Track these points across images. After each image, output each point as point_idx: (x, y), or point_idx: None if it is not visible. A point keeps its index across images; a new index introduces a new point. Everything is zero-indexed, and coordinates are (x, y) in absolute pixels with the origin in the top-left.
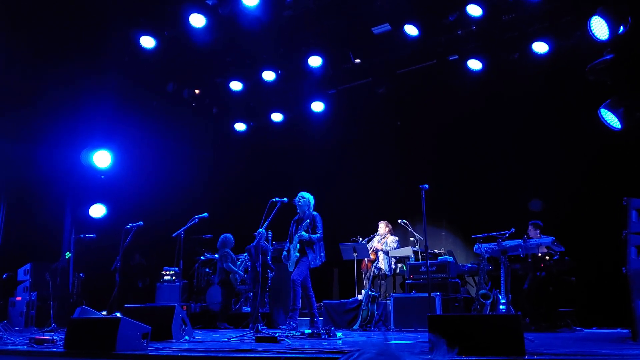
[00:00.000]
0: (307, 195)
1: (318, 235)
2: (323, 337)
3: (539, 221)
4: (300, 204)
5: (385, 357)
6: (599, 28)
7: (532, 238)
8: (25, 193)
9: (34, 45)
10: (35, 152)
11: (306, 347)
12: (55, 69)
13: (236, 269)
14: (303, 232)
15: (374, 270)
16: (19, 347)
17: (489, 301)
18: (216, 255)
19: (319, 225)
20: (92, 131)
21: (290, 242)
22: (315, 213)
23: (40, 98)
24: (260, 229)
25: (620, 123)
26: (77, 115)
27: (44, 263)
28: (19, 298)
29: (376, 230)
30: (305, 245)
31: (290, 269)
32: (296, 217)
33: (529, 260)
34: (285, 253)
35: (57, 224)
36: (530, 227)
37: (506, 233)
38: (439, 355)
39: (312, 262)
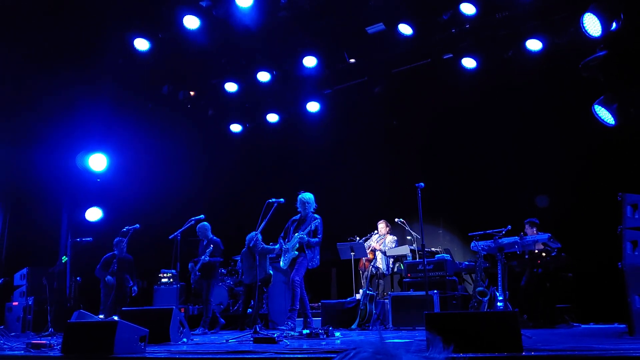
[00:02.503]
0: (309, 195)
1: (317, 239)
2: (321, 337)
3: (535, 219)
4: (305, 205)
5: (382, 356)
6: (592, 25)
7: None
8: (21, 197)
9: (29, 49)
10: (31, 156)
11: (304, 347)
12: (50, 73)
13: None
14: (304, 235)
15: (371, 270)
16: (16, 352)
17: (486, 298)
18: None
19: (320, 229)
20: (88, 134)
21: (284, 238)
22: (318, 217)
23: (36, 102)
24: (254, 233)
25: (614, 119)
26: (73, 118)
27: (40, 267)
28: (15, 303)
29: (374, 229)
30: (305, 246)
31: (284, 267)
32: (297, 217)
33: (526, 257)
34: (284, 247)
35: (54, 227)
36: (526, 226)
37: (503, 230)
38: (435, 352)
39: (310, 263)
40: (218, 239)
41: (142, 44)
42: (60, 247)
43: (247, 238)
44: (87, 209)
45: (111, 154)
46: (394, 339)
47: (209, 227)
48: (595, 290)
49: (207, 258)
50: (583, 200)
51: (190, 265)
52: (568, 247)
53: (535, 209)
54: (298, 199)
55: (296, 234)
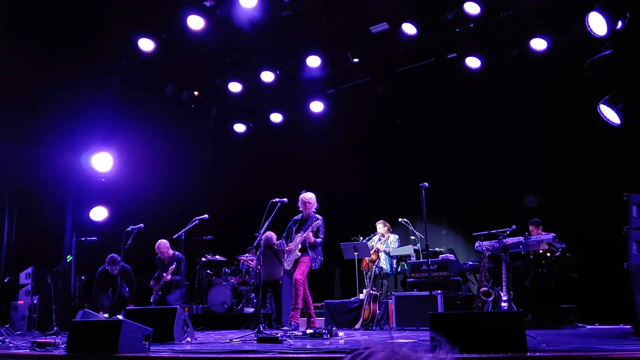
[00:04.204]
0: (311, 195)
1: (321, 239)
2: (325, 336)
3: (536, 219)
4: (307, 205)
5: (400, 357)
6: (597, 24)
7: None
8: (27, 196)
9: (34, 49)
10: (36, 155)
11: (308, 347)
12: (55, 73)
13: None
14: (311, 235)
15: (375, 270)
16: (22, 350)
17: (490, 299)
18: (217, 257)
19: (322, 230)
20: (92, 134)
21: (287, 239)
22: (320, 217)
23: (41, 102)
24: (270, 232)
25: (620, 119)
26: (77, 118)
27: (45, 266)
28: (21, 302)
29: (376, 230)
30: (309, 246)
31: (287, 267)
32: (298, 217)
33: (531, 257)
34: (287, 247)
35: (59, 227)
36: (531, 227)
37: (507, 230)
38: (442, 353)
39: (313, 264)
40: (181, 255)
41: (146, 44)
42: (65, 247)
43: (264, 238)
44: (91, 208)
45: (116, 153)
46: (399, 339)
47: (168, 243)
48: (600, 290)
49: (169, 277)
50: (588, 200)
51: (152, 282)
52: (573, 247)
53: (533, 208)
54: (300, 198)
55: (297, 235)
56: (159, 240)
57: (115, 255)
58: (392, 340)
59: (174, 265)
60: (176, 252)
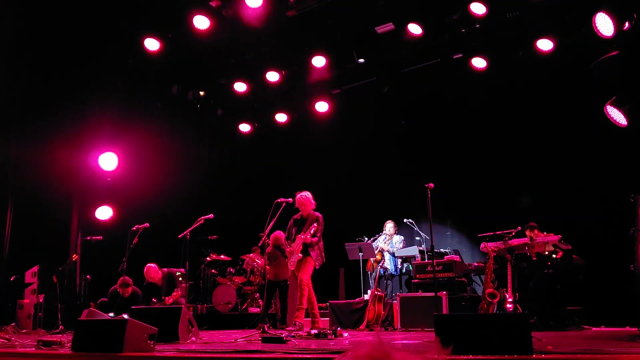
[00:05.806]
0: (307, 194)
1: (317, 238)
2: (329, 337)
3: (532, 223)
4: (304, 205)
5: (380, 352)
6: (604, 24)
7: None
8: (32, 195)
9: (41, 48)
10: (42, 154)
11: (313, 347)
12: (61, 73)
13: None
14: (309, 237)
15: (380, 270)
16: (27, 349)
17: (496, 300)
18: (222, 256)
19: (320, 228)
20: (98, 133)
21: (288, 239)
22: (319, 215)
23: (47, 101)
24: (281, 232)
25: (626, 120)
26: (83, 117)
27: (51, 265)
28: (26, 300)
29: (382, 230)
30: (309, 246)
31: (291, 268)
32: (298, 216)
33: (535, 259)
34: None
35: (64, 226)
36: (527, 232)
37: (512, 231)
38: (436, 353)
39: (316, 262)
40: (168, 270)
41: (152, 44)
42: (70, 245)
43: (273, 238)
44: (97, 207)
45: (121, 153)
46: (402, 340)
47: (156, 266)
48: (606, 292)
49: (172, 300)
50: (595, 201)
51: None
52: (579, 248)
53: (545, 209)
54: (296, 199)
55: (298, 236)
56: (148, 265)
57: (128, 278)
58: (379, 340)
59: (176, 292)
60: (164, 269)
